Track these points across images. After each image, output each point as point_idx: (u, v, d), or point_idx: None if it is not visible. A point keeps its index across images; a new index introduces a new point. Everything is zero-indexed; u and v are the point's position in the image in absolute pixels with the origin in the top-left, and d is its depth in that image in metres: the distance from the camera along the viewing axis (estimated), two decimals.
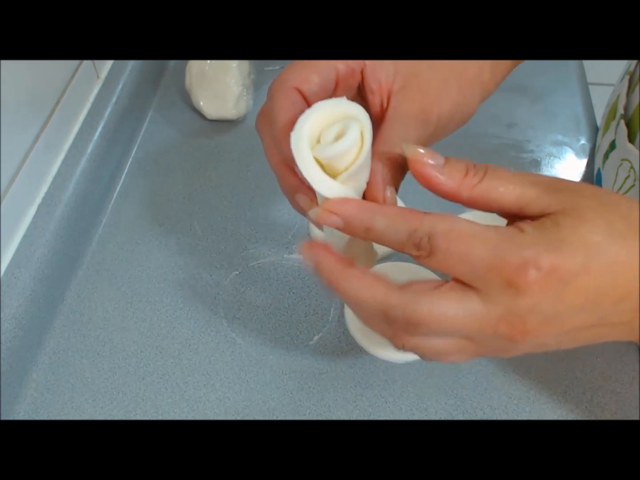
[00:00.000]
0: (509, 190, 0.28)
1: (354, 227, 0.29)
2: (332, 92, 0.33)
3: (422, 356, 0.31)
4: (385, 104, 0.34)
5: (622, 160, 0.49)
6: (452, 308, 0.28)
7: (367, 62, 0.33)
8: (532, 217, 0.28)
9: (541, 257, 0.26)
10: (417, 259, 0.28)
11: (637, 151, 0.47)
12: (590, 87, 0.71)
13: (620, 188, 0.49)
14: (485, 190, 0.29)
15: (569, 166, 0.62)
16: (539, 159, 0.63)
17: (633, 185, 0.47)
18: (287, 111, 0.31)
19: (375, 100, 0.34)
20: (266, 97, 0.34)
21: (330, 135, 0.29)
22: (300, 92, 0.32)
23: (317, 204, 0.31)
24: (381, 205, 0.29)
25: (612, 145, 0.51)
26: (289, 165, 0.33)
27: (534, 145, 0.64)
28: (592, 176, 0.60)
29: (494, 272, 0.27)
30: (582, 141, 0.64)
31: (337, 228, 0.29)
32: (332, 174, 0.30)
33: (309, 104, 0.31)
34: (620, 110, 0.51)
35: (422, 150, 0.29)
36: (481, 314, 0.28)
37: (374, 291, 0.29)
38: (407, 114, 0.33)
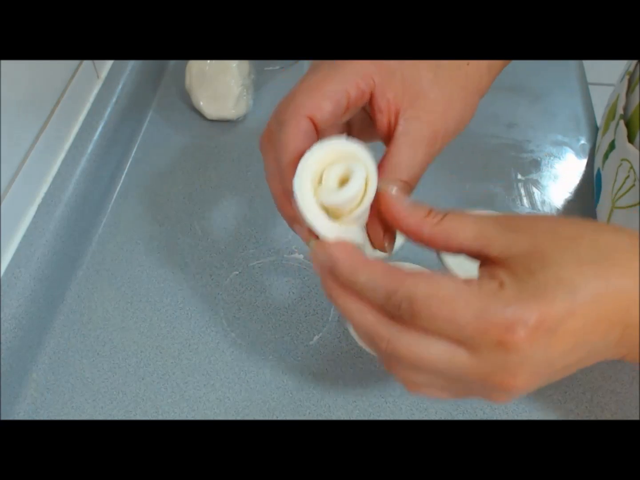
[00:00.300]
0: (468, 229, 0.29)
1: (339, 274, 0.29)
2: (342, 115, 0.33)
3: (405, 387, 0.31)
4: (393, 123, 0.33)
5: (622, 160, 0.49)
6: (435, 353, 0.28)
7: (377, 82, 0.32)
8: (496, 260, 0.28)
9: (526, 313, 0.26)
10: (398, 319, 0.28)
11: (637, 151, 0.47)
12: (590, 87, 0.71)
13: (620, 188, 0.49)
14: (445, 228, 0.29)
15: (569, 166, 0.62)
16: (539, 159, 0.63)
17: (633, 186, 0.47)
18: (298, 142, 0.31)
19: (383, 120, 0.33)
20: (274, 118, 0.33)
21: (333, 176, 0.29)
22: (312, 120, 0.31)
23: (314, 236, 0.31)
24: (368, 261, 0.29)
25: (612, 146, 0.51)
26: (289, 196, 0.33)
27: (534, 145, 0.64)
28: (592, 176, 0.60)
29: (482, 334, 0.26)
30: (582, 141, 0.64)
31: (329, 269, 0.30)
32: (335, 216, 0.30)
33: (318, 131, 0.32)
34: (620, 111, 0.51)
35: (394, 189, 0.31)
36: (469, 367, 0.28)
37: (364, 316, 0.29)
38: (415, 136, 0.33)
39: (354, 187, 0.29)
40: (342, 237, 0.30)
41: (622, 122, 0.50)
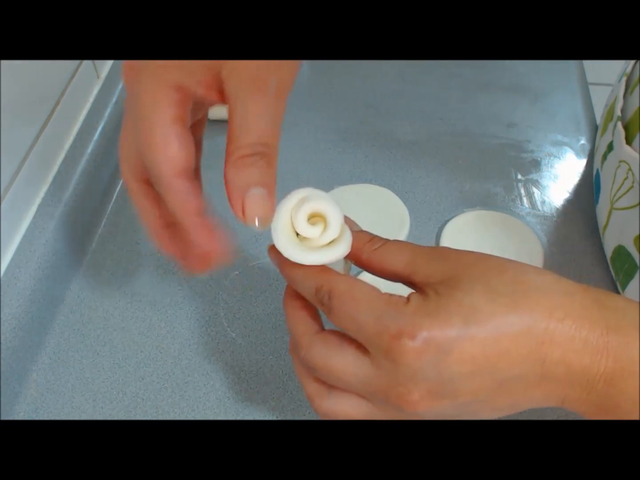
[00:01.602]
0: (401, 256, 0.30)
1: (282, 272, 0.32)
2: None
3: (314, 402, 0.32)
4: (222, 89, 0.31)
5: (620, 161, 0.49)
6: (342, 363, 0.29)
7: (177, 81, 0.31)
8: (419, 285, 0.29)
9: (416, 326, 0.27)
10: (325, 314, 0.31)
11: (635, 154, 0.47)
12: (590, 87, 0.71)
13: (618, 189, 0.49)
14: (381, 254, 0.31)
15: (569, 166, 0.62)
16: (539, 159, 0.63)
17: (632, 187, 0.47)
18: (189, 207, 0.33)
19: (213, 96, 0.32)
20: None
21: (302, 214, 0.30)
22: (181, 173, 0.32)
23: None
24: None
25: (610, 147, 0.51)
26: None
27: (534, 145, 0.64)
28: (591, 176, 0.60)
29: (377, 338, 0.27)
30: (582, 141, 0.64)
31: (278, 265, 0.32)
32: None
33: (191, 166, 0.32)
34: (618, 112, 0.51)
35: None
36: (371, 377, 0.29)
37: (297, 324, 0.32)
38: (243, 96, 0.30)
39: (335, 226, 0.30)
40: (319, 261, 0.31)
41: (619, 124, 0.50)
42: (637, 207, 0.46)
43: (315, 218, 0.31)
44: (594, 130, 0.65)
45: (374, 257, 0.31)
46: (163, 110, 0.30)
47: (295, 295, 0.33)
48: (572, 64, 0.72)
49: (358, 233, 0.33)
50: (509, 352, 0.27)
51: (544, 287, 0.28)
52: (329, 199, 0.30)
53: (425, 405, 0.28)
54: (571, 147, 0.64)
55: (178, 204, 0.32)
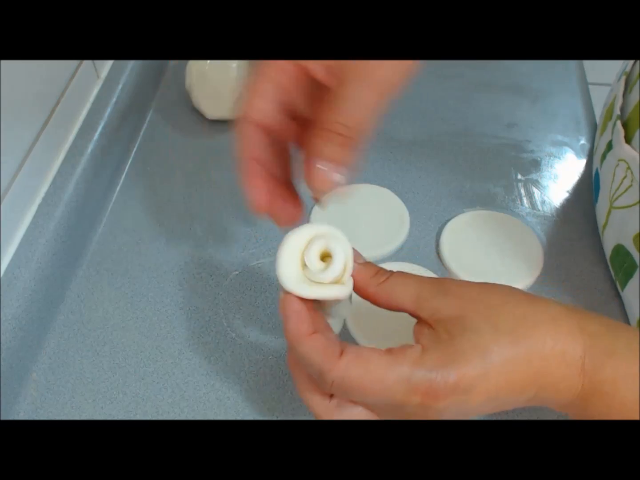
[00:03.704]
0: (407, 292, 0.32)
1: (287, 334, 0.32)
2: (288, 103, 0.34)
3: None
4: (332, 73, 0.34)
5: (619, 160, 0.49)
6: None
7: (303, 61, 0.33)
8: (425, 320, 0.31)
9: (445, 376, 0.29)
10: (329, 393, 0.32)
11: (634, 152, 0.47)
12: (590, 87, 0.71)
13: (617, 188, 0.49)
14: (387, 289, 0.33)
15: (569, 166, 0.62)
16: (539, 159, 0.63)
17: (630, 186, 0.47)
18: (246, 147, 0.34)
19: (323, 75, 0.34)
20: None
21: (314, 252, 0.32)
22: (255, 123, 0.33)
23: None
24: (310, 336, 0.31)
25: (609, 146, 0.51)
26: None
27: (534, 145, 0.64)
28: (591, 176, 0.60)
29: (409, 398, 0.29)
30: (582, 141, 0.64)
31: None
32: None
33: (267, 128, 0.34)
34: (617, 111, 0.51)
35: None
36: (400, 406, 0.30)
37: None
38: (347, 82, 0.33)
39: (338, 266, 0.31)
40: (325, 295, 0.32)
41: (619, 123, 0.50)
42: (636, 206, 0.46)
43: (325, 256, 0.33)
44: (594, 130, 0.65)
45: (381, 292, 0.33)
46: (274, 71, 0.34)
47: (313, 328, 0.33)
48: (572, 64, 0.72)
49: (363, 266, 0.34)
50: (514, 383, 0.30)
51: (535, 317, 0.31)
52: (345, 244, 0.32)
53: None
54: (571, 147, 0.64)
55: (240, 145, 0.34)
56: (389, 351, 0.30)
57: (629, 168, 0.47)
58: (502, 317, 0.30)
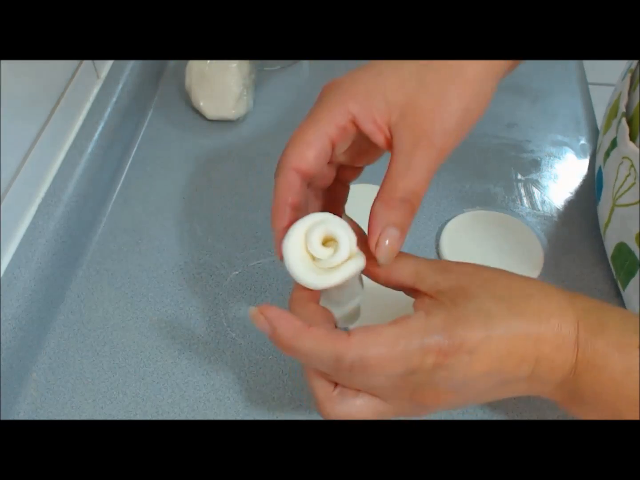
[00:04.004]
0: (405, 267, 0.34)
1: (280, 341, 0.31)
2: (332, 153, 0.35)
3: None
4: (389, 137, 0.34)
5: (623, 158, 0.49)
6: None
7: (355, 111, 0.33)
8: (425, 292, 0.33)
9: (452, 336, 0.30)
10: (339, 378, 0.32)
11: (638, 150, 0.47)
12: (590, 87, 0.71)
13: (621, 186, 0.49)
14: (387, 266, 0.33)
15: (569, 166, 0.62)
16: (539, 159, 0.63)
17: (634, 184, 0.47)
18: (285, 193, 0.34)
19: (379, 138, 0.34)
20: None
21: (316, 236, 0.32)
22: (299, 170, 0.34)
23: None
24: (310, 328, 0.31)
25: (614, 144, 0.51)
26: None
27: (534, 145, 0.64)
28: (592, 176, 0.60)
29: (424, 360, 0.30)
30: (582, 141, 0.64)
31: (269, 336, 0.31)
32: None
33: (310, 177, 0.34)
34: (622, 108, 0.51)
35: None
36: (402, 379, 0.30)
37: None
38: (408, 146, 0.33)
39: (345, 244, 0.32)
40: (347, 273, 0.32)
41: (624, 120, 0.50)
42: (639, 204, 0.46)
43: (329, 242, 0.33)
44: (594, 131, 0.65)
45: (380, 270, 0.34)
46: (326, 123, 0.33)
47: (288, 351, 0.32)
48: (572, 64, 0.72)
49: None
50: (515, 351, 0.30)
51: (529, 290, 0.32)
52: (342, 223, 0.32)
53: (443, 400, 0.31)
54: (571, 147, 0.64)
55: (279, 190, 0.34)
56: (394, 322, 0.30)
57: (632, 166, 0.47)
58: (499, 287, 0.32)
